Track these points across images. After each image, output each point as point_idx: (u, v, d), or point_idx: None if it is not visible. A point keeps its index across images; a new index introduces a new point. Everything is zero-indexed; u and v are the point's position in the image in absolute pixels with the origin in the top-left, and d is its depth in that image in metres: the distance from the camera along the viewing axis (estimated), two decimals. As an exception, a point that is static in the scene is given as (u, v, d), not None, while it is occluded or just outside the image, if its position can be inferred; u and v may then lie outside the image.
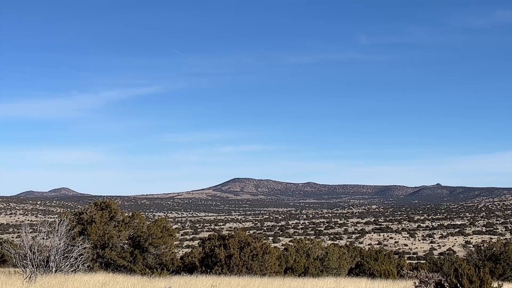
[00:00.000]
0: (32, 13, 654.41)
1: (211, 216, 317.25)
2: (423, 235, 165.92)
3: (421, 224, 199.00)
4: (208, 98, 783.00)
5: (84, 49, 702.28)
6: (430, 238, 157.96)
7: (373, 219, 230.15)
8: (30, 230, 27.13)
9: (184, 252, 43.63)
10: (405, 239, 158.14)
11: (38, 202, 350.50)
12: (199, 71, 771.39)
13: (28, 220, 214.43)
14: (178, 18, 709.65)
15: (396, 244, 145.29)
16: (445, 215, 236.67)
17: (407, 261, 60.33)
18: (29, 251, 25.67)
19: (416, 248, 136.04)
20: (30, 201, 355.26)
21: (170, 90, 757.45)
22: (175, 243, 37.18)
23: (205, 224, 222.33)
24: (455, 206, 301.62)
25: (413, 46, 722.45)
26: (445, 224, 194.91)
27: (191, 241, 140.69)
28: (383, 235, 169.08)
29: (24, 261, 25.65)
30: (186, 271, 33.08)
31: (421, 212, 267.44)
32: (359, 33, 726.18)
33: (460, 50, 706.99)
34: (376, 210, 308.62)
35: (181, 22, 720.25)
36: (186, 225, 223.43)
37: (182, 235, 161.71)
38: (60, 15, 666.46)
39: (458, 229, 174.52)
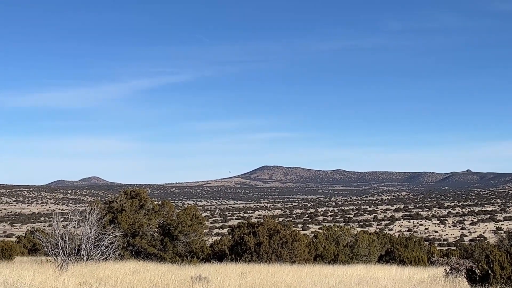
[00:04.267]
0: (62, 3, 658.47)
1: (240, 204, 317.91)
2: (453, 222, 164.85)
3: (452, 211, 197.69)
4: (237, 86, 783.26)
5: (113, 39, 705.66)
6: (461, 225, 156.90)
7: (402, 206, 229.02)
8: (61, 219, 27.39)
9: (213, 240, 43.78)
10: (435, 226, 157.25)
11: (69, 191, 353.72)
12: (226, 59, 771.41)
13: (59, 209, 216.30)
14: (204, 6, 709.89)
15: (426, 231, 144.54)
16: (475, 201, 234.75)
17: (438, 248, 59.98)
18: (60, 240, 25.89)
19: (447, 234, 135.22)
20: (60, 190, 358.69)
21: (198, 78, 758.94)
22: (204, 231, 37.31)
23: (234, 212, 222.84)
24: (486, 192, 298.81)
25: (442, 32, 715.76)
26: (476, 210, 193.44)
27: (221, 229, 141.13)
28: (413, 222, 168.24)
29: (56, 250, 25.89)
30: (216, 259, 33.19)
31: (451, 198, 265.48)
32: (387, 19, 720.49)
33: (491, 34, 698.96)
34: (406, 196, 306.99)
35: (207, 10, 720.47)
36: (215, 213, 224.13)
37: (211, 223, 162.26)
38: (89, 5, 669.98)
39: (488, 215, 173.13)
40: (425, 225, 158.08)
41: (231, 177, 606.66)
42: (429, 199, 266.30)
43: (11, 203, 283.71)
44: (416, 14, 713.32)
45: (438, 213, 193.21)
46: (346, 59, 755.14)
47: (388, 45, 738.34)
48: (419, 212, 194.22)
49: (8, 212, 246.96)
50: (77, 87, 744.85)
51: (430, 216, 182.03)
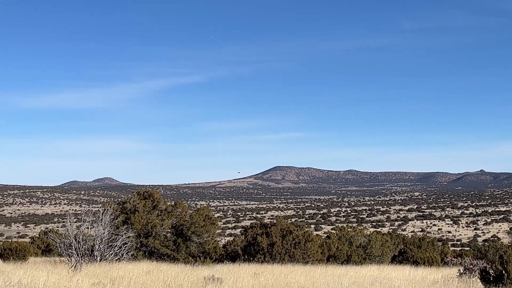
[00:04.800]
0: (74, 4, 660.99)
1: (252, 204, 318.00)
2: (467, 222, 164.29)
3: (465, 211, 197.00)
4: (249, 86, 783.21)
5: (125, 40, 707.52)
6: (474, 225, 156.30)
7: (416, 206, 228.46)
8: (75, 220, 27.48)
9: (226, 241, 43.80)
10: (449, 226, 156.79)
11: (82, 192, 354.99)
12: (239, 60, 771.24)
13: (73, 209, 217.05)
14: (216, 7, 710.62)
15: (439, 231, 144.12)
16: (489, 201, 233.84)
17: (451, 248, 59.76)
18: (74, 241, 25.97)
19: (460, 235, 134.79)
20: (74, 191, 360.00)
21: (211, 78, 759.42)
22: (217, 231, 37.36)
23: (247, 213, 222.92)
24: (499, 192, 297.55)
25: (455, 30, 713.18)
26: (489, 210, 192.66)
27: (233, 230, 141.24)
28: (426, 222, 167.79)
29: (69, 250, 25.97)
30: (229, 259, 33.20)
31: (464, 198, 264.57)
32: (401, 19, 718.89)
33: (506, 32, 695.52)
34: (419, 197, 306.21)
35: (219, 11, 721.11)
36: (228, 213, 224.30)
37: (224, 223, 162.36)
38: (102, 6, 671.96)
39: (502, 216, 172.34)
40: (438, 226, 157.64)
41: (243, 178, 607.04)
42: (442, 200, 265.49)
43: (25, 204, 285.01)
44: (427, 13, 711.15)
45: (451, 213, 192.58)
46: (358, 59, 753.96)
47: (399, 44, 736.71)
48: (432, 213, 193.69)
49: (22, 213, 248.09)
50: (90, 88, 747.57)
51: (443, 216, 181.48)
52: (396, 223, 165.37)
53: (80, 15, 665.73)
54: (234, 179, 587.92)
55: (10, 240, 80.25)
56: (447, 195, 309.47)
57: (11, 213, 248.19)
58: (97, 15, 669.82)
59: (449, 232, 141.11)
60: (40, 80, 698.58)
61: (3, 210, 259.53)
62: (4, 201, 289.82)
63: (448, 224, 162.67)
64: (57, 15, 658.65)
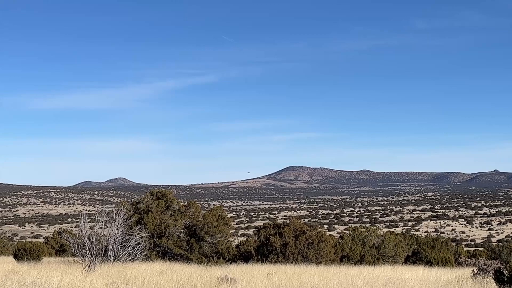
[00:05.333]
0: (86, 4, 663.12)
1: (265, 204, 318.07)
2: (480, 222, 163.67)
3: (479, 211, 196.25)
4: (261, 86, 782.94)
5: (137, 40, 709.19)
6: (488, 225, 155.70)
7: (429, 206, 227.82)
8: (88, 220, 27.55)
9: (239, 241, 43.82)
10: (462, 226, 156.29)
11: (95, 192, 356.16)
12: (252, 60, 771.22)
13: (86, 210, 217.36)
14: (228, 6, 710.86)
15: (453, 231, 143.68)
16: (503, 201, 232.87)
17: (465, 249, 59.58)
18: (87, 241, 26.07)
19: (474, 235, 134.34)
20: (87, 191, 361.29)
21: (223, 79, 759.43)
22: (230, 231, 37.37)
23: (260, 213, 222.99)
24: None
25: (469, 30, 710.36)
26: (503, 210, 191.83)
27: (246, 230, 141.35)
28: (440, 222, 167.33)
29: (83, 250, 26.07)
30: (242, 260, 33.21)
31: (478, 199, 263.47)
32: (414, 17, 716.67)
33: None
34: (432, 197, 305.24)
35: (231, 10, 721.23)
36: (241, 213, 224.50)
37: (237, 223, 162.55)
38: (113, 7, 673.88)
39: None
40: (452, 226, 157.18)
41: (256, 178, 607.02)
42: (456, 200, 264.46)
43: (39, 204, 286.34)
44: (441, 12, 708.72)
45: (465, 213, 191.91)
46: (371, 59, 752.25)
47: (412, 44, 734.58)
48: (446, 213, 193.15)
49: (35, 213, 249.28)
50: (103, 89, 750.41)
51: (457, 216, 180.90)
52: (410, 223, 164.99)
53: (92, 16, 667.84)
54: (247, 179, 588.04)
55: (24, 240, 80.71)
56: (460, 195, 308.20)
57: (25, 213, 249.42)
58: (109, 16, 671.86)
59: (463, 232, 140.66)
60: (53, 81, 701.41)
61: (17, 210, 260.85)
62: (18, 201, 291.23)
63: (462, 224, 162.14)
64: (69, 16, 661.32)
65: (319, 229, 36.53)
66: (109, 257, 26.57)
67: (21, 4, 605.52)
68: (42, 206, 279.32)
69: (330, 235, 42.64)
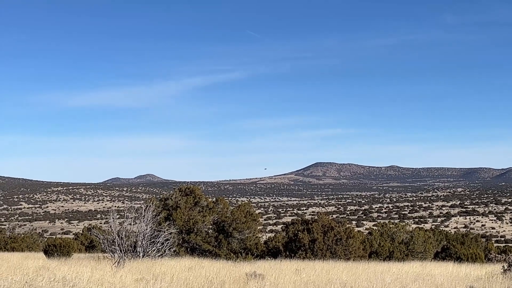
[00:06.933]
0: (116, 4, 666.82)
1: (293, 200, 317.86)
2: (510, 218, 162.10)
3: (509, 207, 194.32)
4: (290, 82, 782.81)
5: (166, 38, 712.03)
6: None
7: (458, 202, 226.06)
8: (118, 216, 27.73)
9: (267, 237, 43.82)
10: (492, 222, 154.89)
11: (124, 189, 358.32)
12: (280, 56, 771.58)
13: (115, 206, 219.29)
14: (256, 2, 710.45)
15: (483, 227, 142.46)
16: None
17: (495, 245, 59.05)
18: (117, 237, 26.23)
19: (504, 231, 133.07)
20: (116, 188, 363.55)
21: (251, 75, 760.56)
22: (258, 227, 37.37)
23: (288, 209, 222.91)
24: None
25: (500, 25, 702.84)
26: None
27: (274, 226, 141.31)
28: (469, 218, 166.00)
29: (113, 246, 26.24)
30: (270, 256, 33.20)
31: (508, 194, 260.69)
32: (444, 12, 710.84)
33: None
34: (462, 193, 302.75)
35: (259, 6, 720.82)
36: (269, 209, 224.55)
37: (265, 219, 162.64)
38: (142, 6, 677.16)
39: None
40: (481, 222, 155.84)
41: (284, 174, 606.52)
42: (485, 195, 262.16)
43: (69, 201, 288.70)
44: (472, 7, 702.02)
45: (495, 209, 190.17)
46: (401, 54, 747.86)
47: (444, 39, 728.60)
48: (476, 209, 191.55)
49: (65, 210, 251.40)
50: (131, 86, 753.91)
51: (487, 212, 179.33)
52: (439, 219, 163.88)
53: (121, 14, 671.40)
54: (274, 176, 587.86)
55: (54, 237, 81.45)
56: (490, 190, 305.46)
57: (55, 210, 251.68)
58: (138, 14, 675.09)
59: (493, 228, 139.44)
60: (83, 79, 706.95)
61: (47, 206, 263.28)
62: (48, 198, 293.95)
63: (492, 220, 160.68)
64: (101, 16, 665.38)
65: (347, 225, 36.40)
66: (138, 253, 26.72)
67: (57, 5, 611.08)
68: (72, 203, 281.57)
69: (358, 231, 42.48)
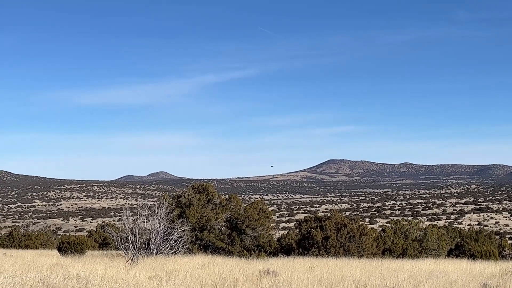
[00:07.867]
0: (129, 2, 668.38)
1: (306, 198, 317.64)
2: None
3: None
4: (302, 80, 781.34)
5: (177, 35, 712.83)
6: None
7: (472, 199, 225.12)
8: (131, 214, 27.79)
9: (280, 234, 43.82)
10: (506, 219, 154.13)
11: (138, 186, 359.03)
12: (293, 53, 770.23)
13: (129, 203, 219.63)
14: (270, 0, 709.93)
15: (496, 224, 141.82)
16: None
17: (509, 242, 58.75)
18: (130, 234, 26.30)
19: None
20: (129, 185, 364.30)
21: (264, 72, 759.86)
22: (271, 225, 37.40)
23: (301, 206, 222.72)
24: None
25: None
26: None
27: (287, 223, 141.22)
28: (483, 215, 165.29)
29: (126, 244, 26.31)
30: (283, 253, 33.21)
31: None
32: (457, 9, 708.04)
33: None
34: (476, 190, 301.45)
35: (271, 3, 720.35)
36: (282, 207, 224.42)
37: (278, 217, 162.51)
38: (152, 3, 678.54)
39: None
40: (495, 219, 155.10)
41: (297, 171, 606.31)
42: (499, 192, 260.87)
43: (82, 198, 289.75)
44: (486, 3, 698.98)
45: (509, 206, 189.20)
46: (414, 51, 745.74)
47: (457, 36, 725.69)
48: (489, 206, 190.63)
49: (79, 207, 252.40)
50: (144, 84, 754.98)
51: (500, 209, 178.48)
52: (452, 216, 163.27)
53: (132, 12, 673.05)
54: (287, 173, 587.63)
55: (68, 234, 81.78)
56: (504, 187, 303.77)
57: (69, 207, 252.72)
58: (150, 12, 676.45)
59: (507, 225, 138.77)
60: (95, 77, 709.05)
61: (61, 204, 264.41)
62: (61, 195, 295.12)
63: (506, 217, 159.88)
64: (114, 15, 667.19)
65: (360, 222, 36.36)
66: (151, 250, 26.78)
67: (72, 4, 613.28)
68: (85, 200, 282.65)
69: (371, 228, 42.38)
